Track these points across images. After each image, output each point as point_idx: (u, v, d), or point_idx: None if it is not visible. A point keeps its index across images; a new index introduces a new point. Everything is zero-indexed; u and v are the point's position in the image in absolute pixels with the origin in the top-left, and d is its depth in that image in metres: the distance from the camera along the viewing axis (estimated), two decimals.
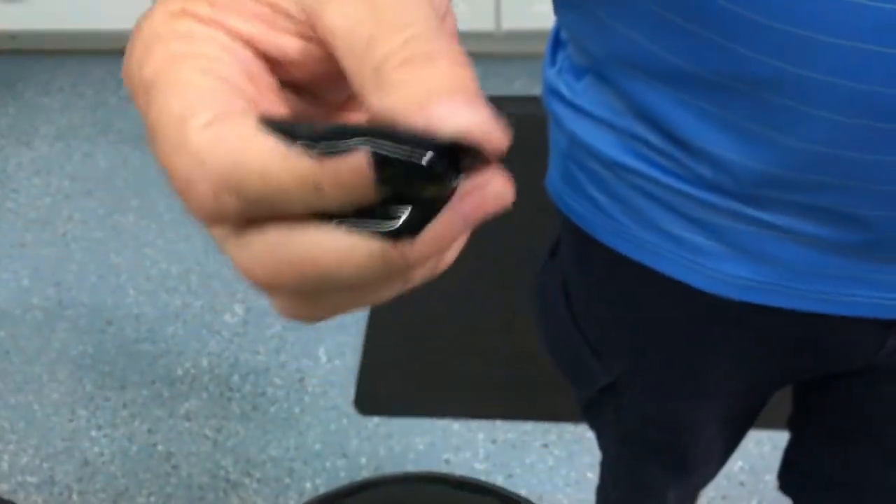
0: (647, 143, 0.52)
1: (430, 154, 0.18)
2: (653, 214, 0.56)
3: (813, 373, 0.67)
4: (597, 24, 0.48)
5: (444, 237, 0.20)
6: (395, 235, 0.19)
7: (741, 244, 0.54)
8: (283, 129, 0.19)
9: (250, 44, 0.22)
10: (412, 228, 0.19)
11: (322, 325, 1.56)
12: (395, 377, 1.49)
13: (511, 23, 1.93)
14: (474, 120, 0.19)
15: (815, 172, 0.47)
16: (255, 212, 0.20)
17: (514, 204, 0.21)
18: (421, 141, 0.19)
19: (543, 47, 0.63)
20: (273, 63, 0.22)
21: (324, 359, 1.52)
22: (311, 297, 0.22)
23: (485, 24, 1.93)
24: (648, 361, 0.68)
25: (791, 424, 0.78)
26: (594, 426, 0.81)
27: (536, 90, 0.86)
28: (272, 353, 1.54)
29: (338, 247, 0.20)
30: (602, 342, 0.69)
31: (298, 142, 0.19)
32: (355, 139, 0.19)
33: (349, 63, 0.21)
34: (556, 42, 0.61)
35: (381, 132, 0.19)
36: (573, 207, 0.61)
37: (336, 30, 0.21)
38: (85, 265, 1.68)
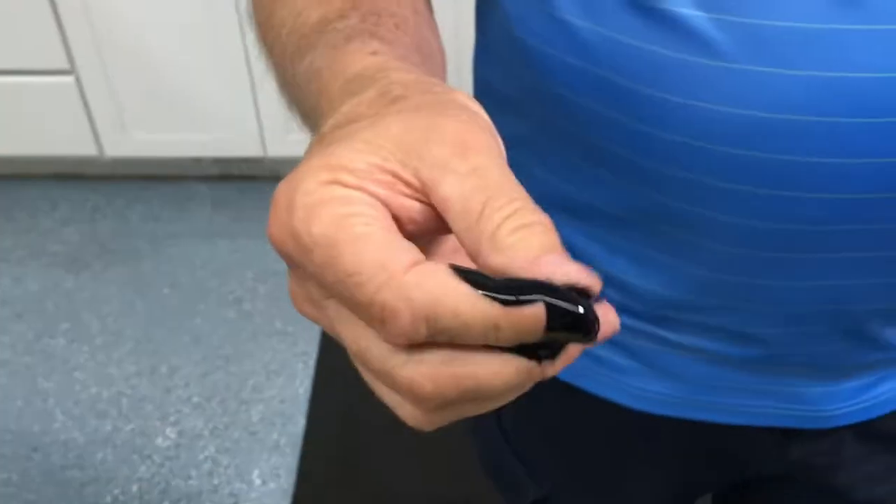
0: None
1: (584, 307, 0.25)
2: None
3: (729, 480, 0.71)
4: None
5: (573, 357, 0.27)
6: (539, 357, 0.26)
7: (653, 362, 0.59)
8: (469, 277, 0.25)
9: (384, 204, 0.27)
10: (552, 351, 0.26)
11: (256, 446, 1.55)
12: (332, 498, 1.49)
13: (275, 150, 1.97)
14: (576, 269, 0.26)
15: (712, 296, 0.51)
16: (435, 338, 0.26)
17: None
18: (569, 295, 0.25)
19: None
20: (397, 220, 0.28)
21: (258, 482, 1.51)
22: (452, 406, 0.27)
23: (252, 151, 1.98)
24: (577, 476, 0.71)
25: None
26: None
27: None
28: (205, 476, 1.52)
29: (494, 363, 0.26)
30: (532, 458, 0.72)
31: (481, 290, 0.25)
32: (532, 294, 0.25)
33: (462, 227, 0.27)
34: None
35: (537, 286, 0.25)
36: None
37: (451, 201, 0.27)
38: (11, 390, 1.65)
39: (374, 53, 0.35)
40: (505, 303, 0.25)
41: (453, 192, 0.27)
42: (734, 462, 0.67)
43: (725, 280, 0.50)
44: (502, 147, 0.30)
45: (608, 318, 0.27)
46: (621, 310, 0.55)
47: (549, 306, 0.25)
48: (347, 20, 0.38)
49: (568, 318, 0.25)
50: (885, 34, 0.38)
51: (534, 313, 0.25)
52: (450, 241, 0.31)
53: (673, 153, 0.44)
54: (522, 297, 0.25)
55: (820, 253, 0.47)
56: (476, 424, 0.77)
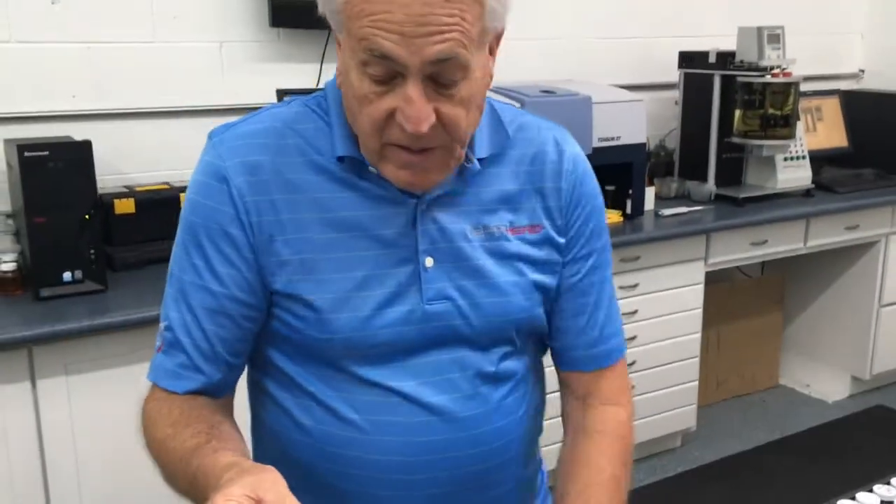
0: None
1: None
2: None
3: None
4: None
5: None
6: None
7: None
8: None
9: None
10: None
11: None
12: None
13: None
14: None
15: None
16: None
17: None
18: None
19: None
20: None
21: None
22: None
23: None
24: None
25: None
26: None
27: None
28: None
29: None
30: None
31: None
32: None
33: None
34: None
35: None
36: None
37: None
38: None
39: (227, 456, 0.84)
40: None
41: (271, 500, 0.73)
42: None
43: None
44: (283, 480, 0.77)
45: None
46: None
47: None
48: (210, 444, 0.89)
49: None
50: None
51: None
52: None
53: (355, 476, 1.00)
54: None
55: None
56: None
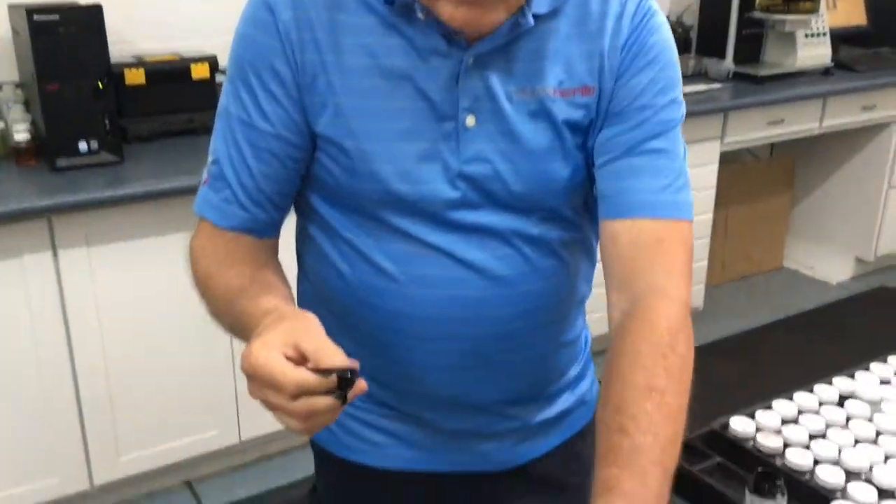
0: None
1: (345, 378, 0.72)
2: (356, 428, 1.07)
3: None
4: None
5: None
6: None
7: (401, 436, 1.06)
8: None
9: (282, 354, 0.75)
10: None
11: None
12: None
13: (102, 478, 2.23)
14: (348, 363, 0.74)
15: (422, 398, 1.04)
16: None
17: None
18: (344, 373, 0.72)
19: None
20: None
21: None
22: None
23: (80, 485, 2.21)
24: None
25: None
26: None
27: None
28: None
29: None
30: None
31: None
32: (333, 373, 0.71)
33: (311, 362, 0.77)
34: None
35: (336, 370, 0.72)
36: (317, 435, 1.06)
37: (307, 352, 0.75)
38: None
39: (269, 301, 0.86)
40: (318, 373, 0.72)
41: (307, 348, 0.73)
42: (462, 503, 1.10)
43: (425, 388, 1.01)
44: (321, 327, 0.77)
45: (360, 385, 0.73)
46: (381, 402, 1.05)
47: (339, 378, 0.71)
48: (253, 287, 0.91)
49: (345, 381, 0.72)
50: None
51: (331, 380, 0.73)
52: None
53: (393, 327, 0.98)
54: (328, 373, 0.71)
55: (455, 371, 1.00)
56: None
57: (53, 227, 1.98)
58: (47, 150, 2.10)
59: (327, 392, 0.71)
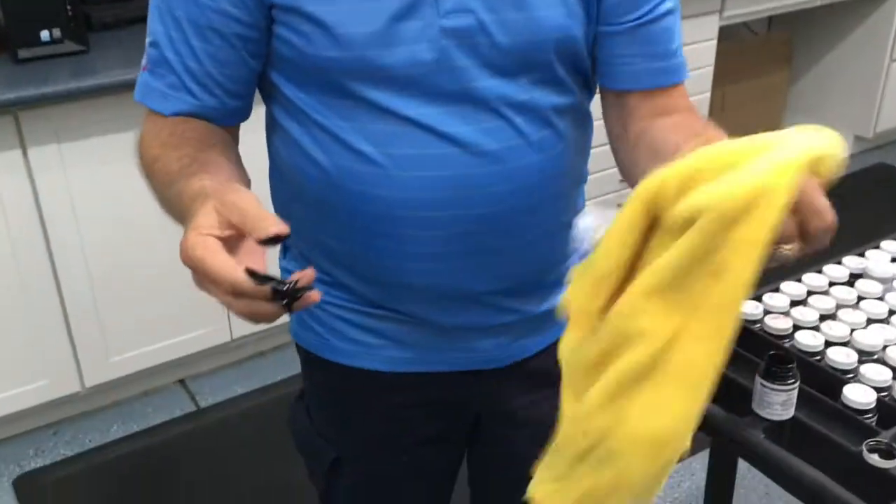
0: (331, 286, 0.99)
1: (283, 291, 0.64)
2: (343, 329, 1.01)
3: (461, 427, 1.09)
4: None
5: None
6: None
7: (392, 336, 0.99)
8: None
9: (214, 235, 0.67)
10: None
11: None
12: None
13: (93, 380, 2.21)
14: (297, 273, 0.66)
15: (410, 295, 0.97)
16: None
17: None
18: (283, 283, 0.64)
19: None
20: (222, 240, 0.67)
21: None
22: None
23: (70, 387, 2.19)
24: (357, 433, 1.06)
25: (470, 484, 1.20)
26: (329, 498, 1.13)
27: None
28: None
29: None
30: (327, 430, 1.07)
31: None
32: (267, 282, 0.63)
33: (246, 230, 0.67)
34: (284, 248, 1.06)
35: (271, 278, 0.64)
36: (302, 338, 1.05)
37: (239, 223, 0.67)
38: None
39: (199, 181, 0.75)
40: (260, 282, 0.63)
41: (237, 221, 0.66)
42: (455, 405, 1.05)
43: (414, 283, 0.94)
44: (252, 195, 0.68)
45: (312, 296, 0.66)
46: (368, 301, 0.98)
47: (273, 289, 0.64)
48: (191, 167, 0.80)
49: (276, 292, 0.64)
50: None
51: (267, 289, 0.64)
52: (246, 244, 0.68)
53: (375, 215, 0.90)
54: (265, 282, 0.63)
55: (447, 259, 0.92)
56: (292, 416, 1.12)
57: (21, 123, 1.88)
58: (7, 40, 1.97)
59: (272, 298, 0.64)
